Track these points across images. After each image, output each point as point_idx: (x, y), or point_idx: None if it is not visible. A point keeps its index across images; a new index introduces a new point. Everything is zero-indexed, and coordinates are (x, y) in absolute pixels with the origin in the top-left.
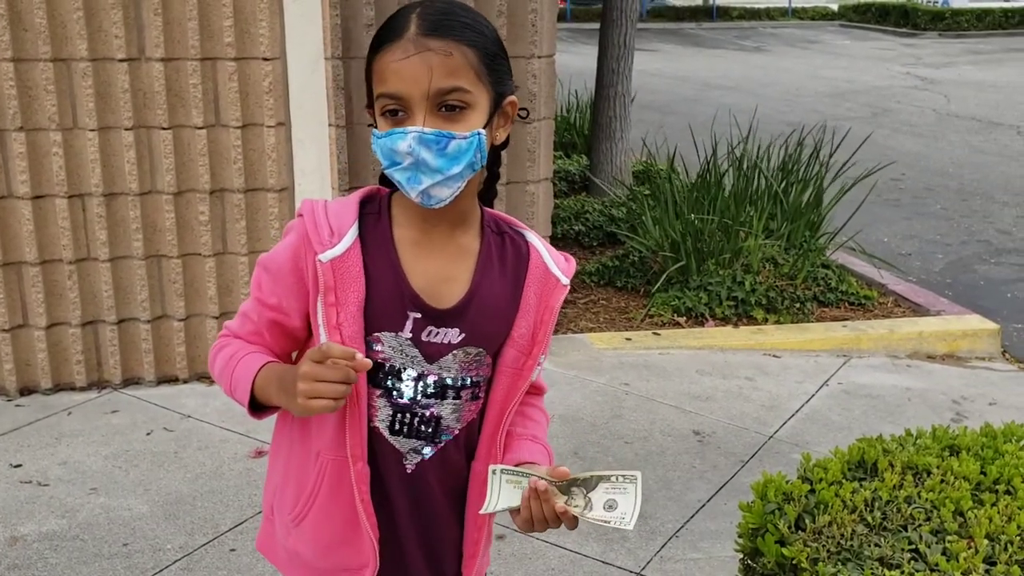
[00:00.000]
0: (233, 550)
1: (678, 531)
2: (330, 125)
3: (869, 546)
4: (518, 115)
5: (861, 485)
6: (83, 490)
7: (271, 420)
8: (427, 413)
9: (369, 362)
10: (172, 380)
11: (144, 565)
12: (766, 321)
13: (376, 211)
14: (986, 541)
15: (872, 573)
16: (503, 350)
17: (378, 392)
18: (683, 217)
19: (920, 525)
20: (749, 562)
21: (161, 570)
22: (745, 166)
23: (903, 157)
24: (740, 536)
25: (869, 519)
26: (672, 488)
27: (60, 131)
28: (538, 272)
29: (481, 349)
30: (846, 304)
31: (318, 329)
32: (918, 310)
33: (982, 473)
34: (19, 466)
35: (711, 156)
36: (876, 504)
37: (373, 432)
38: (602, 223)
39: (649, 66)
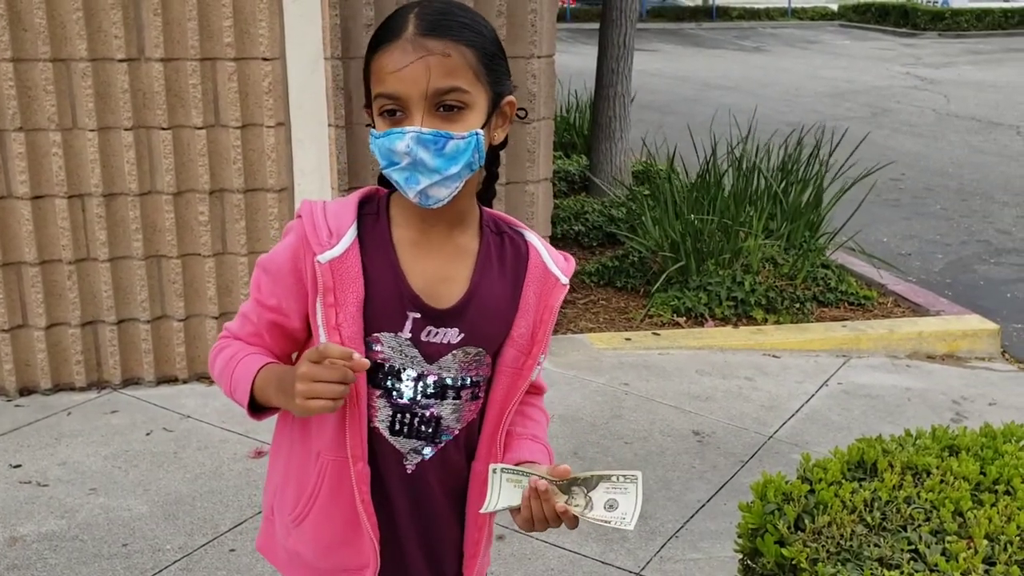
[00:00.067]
0: (233, 550)
1: (678, 531)
2: (330, 125)
3: (869, 546)
4: (516, 115)
5: (861, 485)
6: (82, 490)
7: (271, 420)
8: (427, 413)
9: (367, 362)
10: (172, 380)
11: (144, 565)
12: (766, 321)
13: (375, 211)
14: (985, 541)
15: (872, 573)
16: (503, 350)
17: (378, 392)
18: (683, 217)
19: (920, 525)
20: (749, 562)
21: (160, 570)
22: (745, 166)
23: (903, 157)
24: (740, 536)
25: (869, 519)
26: (672, 488)
27: (60, 131)
28: (537, 272)
29: (481, 349)
30: (846, 304)
31: (317, 330)
32: (918, 310)
33: (982, 473)
34: (19, 466)
35: (711, 156)
36: (876, 504)
37: (373, 432)
38: (602, 223)
39: (649, 66)
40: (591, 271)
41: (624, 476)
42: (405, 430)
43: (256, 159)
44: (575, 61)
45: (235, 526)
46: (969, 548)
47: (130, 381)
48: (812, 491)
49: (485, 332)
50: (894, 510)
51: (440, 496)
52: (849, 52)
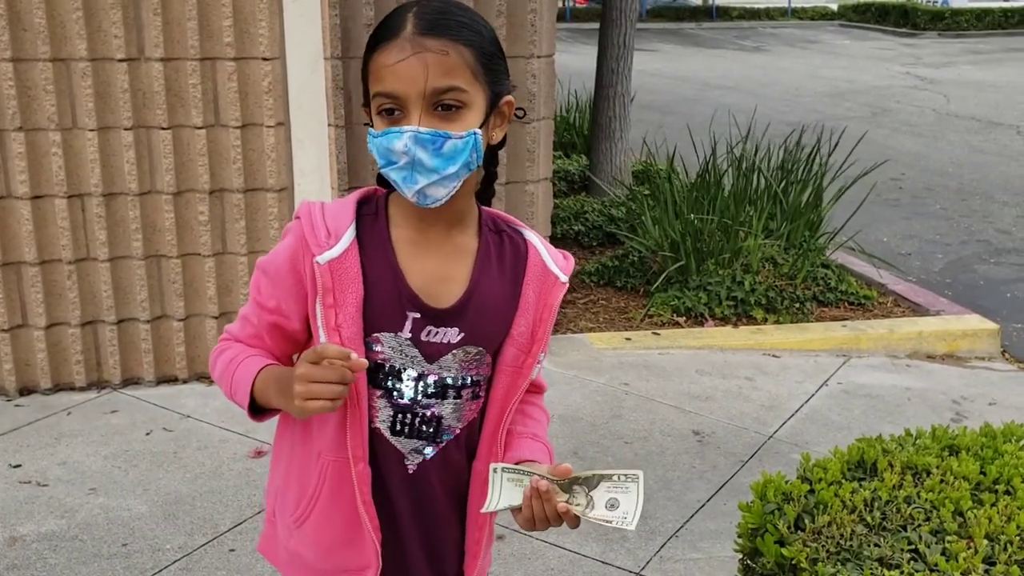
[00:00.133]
0: (232, 550)
1: (678, 531)
2: (329, 125)
3: (868, 546)
4: (515, 115)
5: (860, 485)
6: (82, 490)
7: (272, 421)
8: (428, 413)
9: (365, 362)
10: (171, 380)
11: (143, 565)
12: (766, 321)
13: (373, 212)
14: (985, 541)
15: (871, 573)
16: (503, 348)
17: (378, 393)
18: (683, 217)
19: (920, 525)
20: (748, 562)
21: (160, 570)
22: (744, 166)
23: (903, 157)
24: (739, 536)
25: (868, 519)
26: (672, 488)
27: (59, 131)
28: (537, 270)
29: (481, 348)
30: (846, 304)
31: (317, 331)
32: (918, 310)
33: (982, 473)
34: (18, 466)
35: (710, 156)
36: (875, 504)
37: (374, 433)
38: (602, 223)
39: (649, 66)
40: (591, 271)
41: (625, 475)
42: (406, 430)
43: (256, 159)
44: (575, 61)
45: (235, 526)
46: (969, 548)
47: (130, 381)
48: (812, 491)
49: (485, 331)
50: (894, 510)
51: (441, 496)
52: (849, 52)
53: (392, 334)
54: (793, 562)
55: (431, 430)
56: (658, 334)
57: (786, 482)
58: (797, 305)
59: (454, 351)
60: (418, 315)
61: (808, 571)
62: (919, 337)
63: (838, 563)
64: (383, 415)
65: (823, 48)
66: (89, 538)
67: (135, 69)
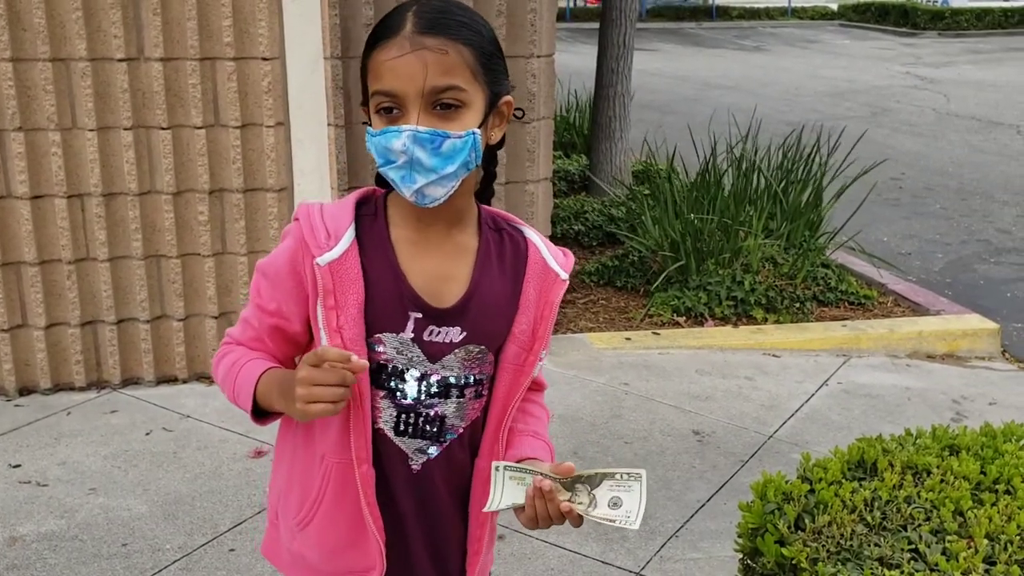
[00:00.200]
0: (232, 550)
1: (678, 531)
2: (329, 125)
3: (869, 546)
4: (514, 115)
5: (861, 485)
6: (82, 490)
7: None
8: (431, 413)
9: (366, 363)
10: (171, 380)
11: (143, 565)
12: (766, 321)
13: (372, 212)
14: (986, 541)
15: (872, 573)
16: (504, 347)
17: (381, 393)
18: (683, 217)
19: (920, 525)
20: (749, 562)
21: (160, 570)
22: (744, 166)
23: (903, 156)
24: (740, 536)
25: (869, 519)
26: (672, 488)
27: (59, 131)
28: (537, 268)
29: (483, 347)
30: (846, 304)
31: (319, 333)
32: (918, 310)
33: (982, 473)
34: (18, 466)
35: (710, 156)
36: (876, 504)
37: (377, 434)
38: (602, 223)
39: (649, 66)
40: (591, 271)
41: (628, 474)
42: (410, 430)
43: (256, 159)
44: (575, 60)
45: (235, 526)
46: (969, 547)
47: (130, 381)
48: (812, 491)
49: (487, 330)
50: (894, 510)
51: (445, 495)
52: (849, 52)
53: (394, 334)
54: (793, 562)
55: (435, 429)
56: (658, 334)
57: (786, 482)
58: (797, 305)
59: (456, 350)
60: (420, 315)
61: (808, 571)
62: (919, 337)
63: (838, 563)
64: (386, 415)
65: (823, 48)
66: (89, 538)
67: (135, 69)
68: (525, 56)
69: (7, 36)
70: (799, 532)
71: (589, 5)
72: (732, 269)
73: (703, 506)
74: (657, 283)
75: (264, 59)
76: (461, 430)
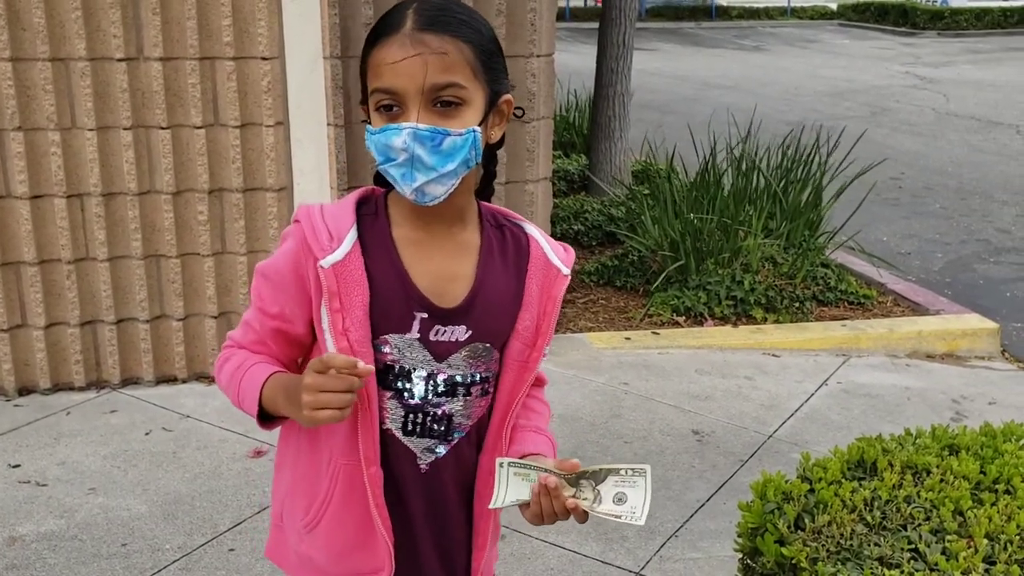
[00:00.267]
0: (232, 550)
1: (677, 531)
2: (329, 124)
3: (869, 546)
4: (514, 114)
5: (860, 485)
6: (82, 490)
7: None
8: (439, 412)
9: (372, 368)
10: (171, 380)
11: (143, 565)
12: (765, 320)
13: (373, 212)
14: (986, 540)
15: (872, 573)
16: (508, 343)
17: (388, 394)
18: (682, 216)
19: (920, 524)
20: (748, 562)
21: (160, 570)
22: (744, 165)
23: (902, 156)
24: (739, 536)
25: (868, 519)
26: (671, 488)
27: (58, 131)
28: (539, 263)
29: (488, 344)
30: (845, 303)
31: (323, 335)
32: (917, 309)
33: (982, 472)
34: (18, 466)
35: (710, 155)
36: (875, 504)
37: (385, 434)
38: (601, 223)
39: (648, 65)
40: (591, 270)
41: (632, 470)
42: (418, 430)
43: (255, 158)
44: (574, 60)
45: (234, 526)
46: (969, 547)
47: (129, 381)
48: (812, 490)
49: (491, 328)
50: (894, 509)
51: (453, 494)
52: (848, 51)
53: (400, 335)
54: (793, 561)
55: (442, 428)
56: (658, 334)
57: (786, 481)
58: (797, 304)
59: (462, 349)
60: (425, 315)
61: (808, 571)
62: (919, 336)
63: (838, 563)
64: (394, 416)
65: (822, 47)
66: (88, 538)
67: (134, 69)
68: (525, 55)
69: (6, 36)
70: (799, 532)
71: (598, 4)
72: (732, 269)
73: (703, 506)
74: (657, 283)
75: (263, 59)
76: (468, 428)
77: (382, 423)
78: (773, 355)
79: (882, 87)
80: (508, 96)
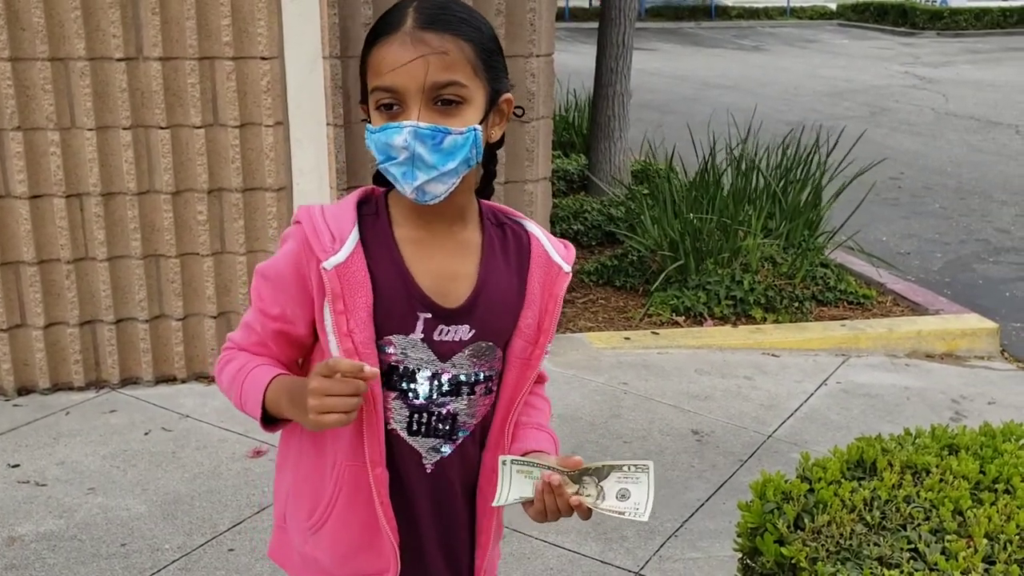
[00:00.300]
0: (231, 550)
1: (677, 530)
2: (328, 124)
3: (868, 545)
4: (514, 113)
5: (860, 484)
6: (81, 490)
7: None
8: (443, 411)
9: (377, 371)
10: (170, 380)
11: (142, 565)
12: (765, 320)
13: (374, 212)
14: (985, 540)
15: (871, 572)
16: (511, 341)
17: (393, 395)
18: (682, 216)
19: (919, 524)
20: (748, 561)
21: (159, 570)
22: (744, 165)
23: (901, 156)
24: (739, 535)
25: (868, 518)
26: (671, 487)
27: (58, 131)
28: (540, 261)
29: (491, 343)
30: (845, 303)
31: (326, 336)
32: (917, 309)
33: (981, 472)
34: (17, 466)
35: (709, 155)
36: (875, 503)
37: (391, 435)
38: (601, 222)
39: (648, 65)
40: (590, 270)
41: (636, 466)
42: (423, 430)
43: (254, 158)
44: (574, 60)
45: (234, 526)
46: (969, 547)
47: (128, 381)
48: (811, 490)
49: (495, 327)
50: (894, 509)
51: (460, 493)
52: (848, 51)
53: (404, 336)
54: (793, 561)
55: (447, 428)
56: (657, 333)
57: (785, 481)
58: (796, 304)
59: (466, 348)
60: (429, 315)
61: (808, 570)
62: (918, 336)
63: (838, 562)
64: (399, 416)
65: (822, 47)
66: (88, 538)
67: (133, 68)
68: (524, 55)
69: (6, 35)
70: (798, 532)
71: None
72: (731, 269)
73: (702, 506)
74: (656, 283)
75: (263, 58)
76: (472, 427)
77: (387, 424)
78: (772, 355)
79: (881, 87)
80: (508, 95)
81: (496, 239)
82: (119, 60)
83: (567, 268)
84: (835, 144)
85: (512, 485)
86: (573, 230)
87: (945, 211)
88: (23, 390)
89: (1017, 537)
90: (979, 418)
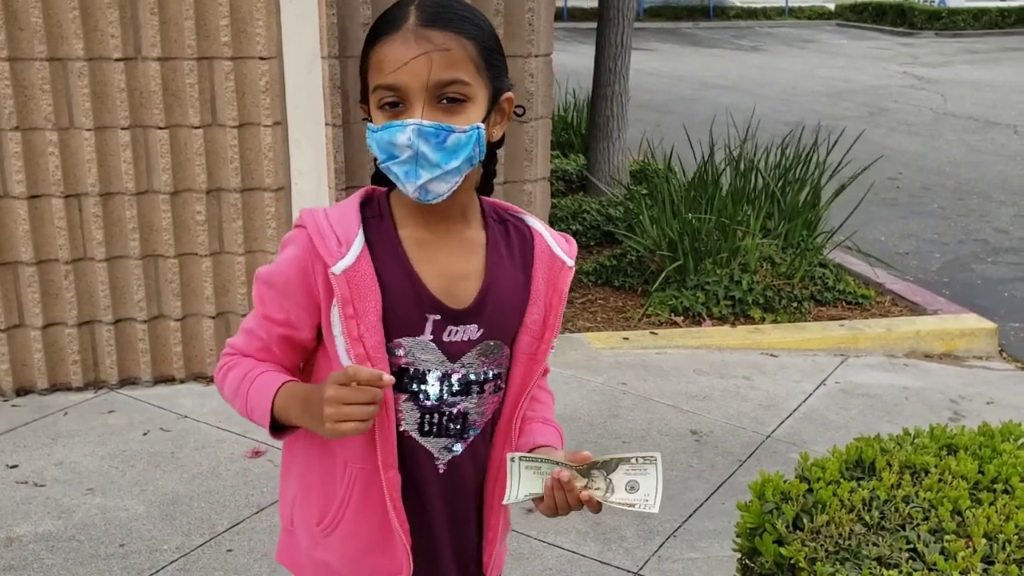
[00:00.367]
0: (230, 550)
1: (676, 531)
2: (327, 124)
3: (867, 545)
4: (514, 113)
5: (859, 484)
6: (79, 490)
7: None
8: (454, 411)
9: (393, 379)
10: (169, 380)
11: (141, 566)
12: (763, 320)
13: (377, 213)
14: (984, 540)
15: (870, 572)
16: (517, 337)
17: (404, 397)
18: (680, 216)
19: (918, 524)
20: (747, 562)
21: (158, 571)
22: (742, 165)
23: (900, 156)
24: (738, 536)
25: (867, 518)
26: (670, 488)
27: (56, 131)
28: (544, 256)
29: (499, 341)
30: (843, 303)
31: (334, 341)
32: (915, 309)
33: (980, 472)
34: (15, 466)
35: (708, 155)
36: (874, 503)
37: (402, 436)
38: (599, 223)
39: (646, 65)
40: (589, 270)
41: (643, 458)
42: (435, 430)
43: (253, 158)
44: (572, 60)
45: (232, 526)
46: (968, 547)
47: (127, 381)
48: (810, 490)
49: (502, 325)
50: (892, 509)
51: (472, 492)
52: (846, 51)
53: (413, 338)
54: (792, 561)
55: (458, 427)
56: (656, 334)
57: (784, 481)
58: (795, 304)
59: (475, 347)
60: (438, 317)
61: (807, 570)
62: (917, 336)
63: (836, 562)
64: (410, 418)
65: (820, 48)
66: (86, 538)
67: (132, 68)
68: (523, 55)
69: (4, 35)
70: (797, 532)
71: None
72: (730, 269)
73: (701, 506)
74: (655, 283)
75: (261, 59)
76: (483, 424)
77: (398, 425)
78: (771, 355)
79: (880, 87)
80: (510, 94)
81: (500, 236)
82: (117, 60)
83: (570, 262)
84: (834, 144)
85: (521, 482)
86: (572, 230)
87: (943, 211)
88: (21, 390)
89: (1016, 537)
90: (978, 418)
